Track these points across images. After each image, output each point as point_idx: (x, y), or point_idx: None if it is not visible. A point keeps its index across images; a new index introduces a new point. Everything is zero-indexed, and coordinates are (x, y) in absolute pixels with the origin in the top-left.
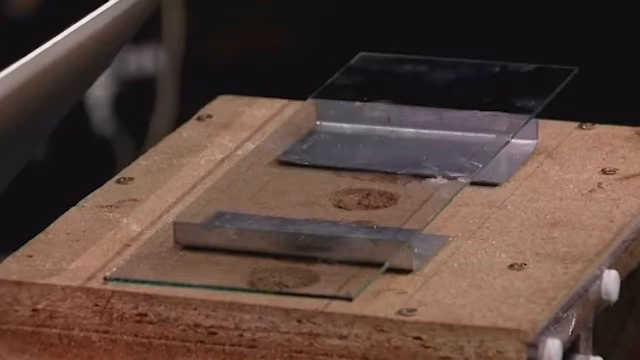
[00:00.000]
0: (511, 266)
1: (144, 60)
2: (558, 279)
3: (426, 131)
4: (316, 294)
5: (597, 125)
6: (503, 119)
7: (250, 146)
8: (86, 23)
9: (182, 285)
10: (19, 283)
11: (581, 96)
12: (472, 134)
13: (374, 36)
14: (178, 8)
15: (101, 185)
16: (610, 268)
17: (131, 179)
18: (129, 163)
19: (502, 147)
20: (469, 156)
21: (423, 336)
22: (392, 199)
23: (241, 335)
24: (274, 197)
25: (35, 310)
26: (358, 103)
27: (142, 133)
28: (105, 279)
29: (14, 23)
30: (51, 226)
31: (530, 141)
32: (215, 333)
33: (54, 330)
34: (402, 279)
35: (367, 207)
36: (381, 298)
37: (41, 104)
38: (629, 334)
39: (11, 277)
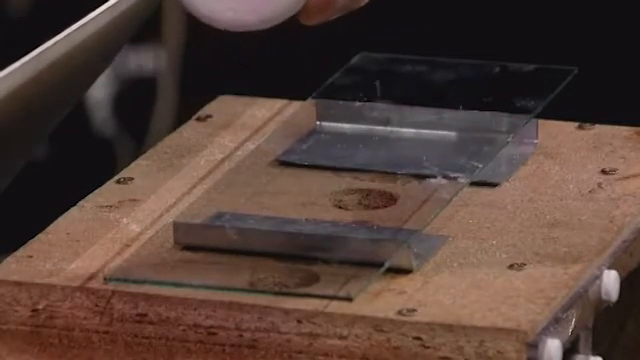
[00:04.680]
0: (511, 266)
1: (144, 60)
2: (558, 279)
3: (426, 131)
4: (316, 294)
5: (597, 125)
6: (503, 119)
7: (250, 146)
8: (86, 23)
9: (182, 285)
10: (19, 283)
11: (581, 96)
12: (472, 134)
13: (374, 36)
14: (178, 8)
15: (101, 185)
16: (610, 268)
17: (131, 179)
18: (129, 163)
19: (502, 147)
20: (469, 156)
21: (423, 336)
22: (392, 199)
23: (241, 335)
24: (274, 197)
25: (35, 310)
26: (358, 103)
27: (142, 133)
28: (105, 279)
29: (14, 23)
30: (51, 226)
31: (530, 141)
32: (215, 333)
33: (54, 330)
34: (402, 279)
35: (367, 207)
36: (381, 298)
37: (41, 103)
38: (629, 334)
39: (11, 277)
